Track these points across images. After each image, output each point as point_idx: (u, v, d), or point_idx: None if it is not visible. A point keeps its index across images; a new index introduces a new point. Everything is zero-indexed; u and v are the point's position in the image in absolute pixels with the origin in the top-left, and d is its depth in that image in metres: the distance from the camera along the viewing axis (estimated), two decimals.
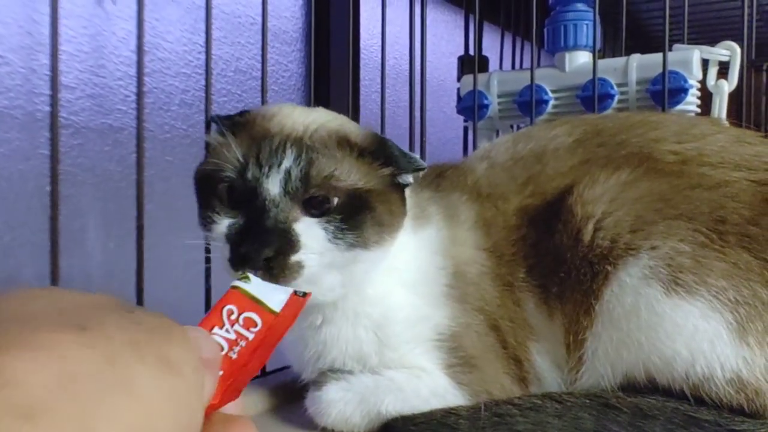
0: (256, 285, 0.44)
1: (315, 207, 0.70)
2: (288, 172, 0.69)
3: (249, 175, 0.70)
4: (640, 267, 0.70)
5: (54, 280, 0.80)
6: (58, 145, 0.82)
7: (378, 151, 0.74)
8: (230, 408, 0.39)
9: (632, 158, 0.79)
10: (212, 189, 0.72)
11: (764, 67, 2.68)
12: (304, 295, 0.47)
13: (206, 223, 0.72)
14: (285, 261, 0.67)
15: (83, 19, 1.14)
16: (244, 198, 0.70)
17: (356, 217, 0.71)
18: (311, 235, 0.69)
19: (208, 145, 0.79)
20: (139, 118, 0.86)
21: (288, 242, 0.67)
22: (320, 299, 0.73)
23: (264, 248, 0.66)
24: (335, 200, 0.71)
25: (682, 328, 0.68)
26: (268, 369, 0.93)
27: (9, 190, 1.05)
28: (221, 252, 0.70)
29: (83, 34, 1.14)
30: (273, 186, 0.69)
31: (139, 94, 0.87)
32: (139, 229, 0.87)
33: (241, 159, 0.70)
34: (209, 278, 0.92)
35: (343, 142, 0.73)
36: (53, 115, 0.81)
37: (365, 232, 0.71)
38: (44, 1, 0.89)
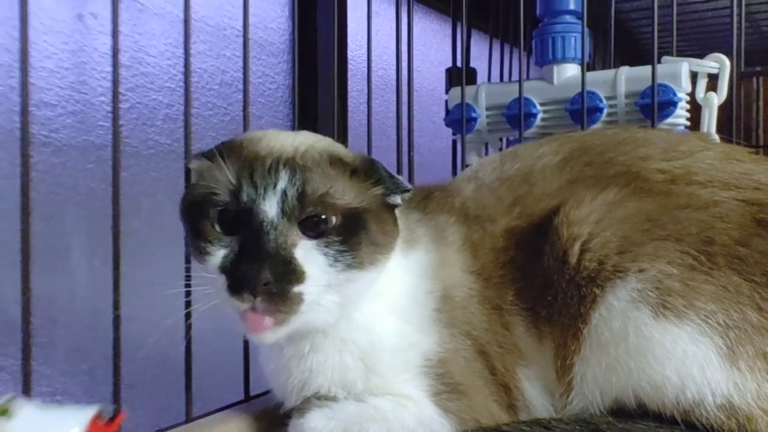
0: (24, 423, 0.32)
1: (311, 228, 0.69)
2: (284, 193, 0.68)
3: (243, 196, 0.68)
4: (628, 290, 0.69)
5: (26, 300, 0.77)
6: (29, 162, 0.80)
7: (368, 171, 0.73)
8: None
9: (620, 177, 0.78)
10: (202, 216, 0.70)
11: (753, 75, 2.69)
12: (113, 418, 0.39)
13: (199, 254, 0.69)
14: (287, 290, 0.66)
15: (64, 35, 1.12)
16: (238, 222, 0.69)
17: (353, 238, 0.70)
18: (313, 261, 0.68)
19: (188, 174, 0.77)
20: (115, 135, 0.84)
21: (291, 271, 0.66)
22: (317, 325, 0.72)
23: (263, 271, 0.64)
24: (333, 220, 0.69)
25: (671, 352, 0.67)
26: (251, 393, 0.92)
27: None
28: (216, 285, 0.68)
29: (64, 50, 1.12)
30: (270, 207, 0.67)
31: (115, 110, 0.84)
32: (116, 253, 0.84)
33: (233, 181, 0.69)
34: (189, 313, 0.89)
35: (335, 162, 0.72)
36: (24, 130, 0.79)
37: (361, 252, 0.70)
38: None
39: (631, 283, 0.69)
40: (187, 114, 0.91)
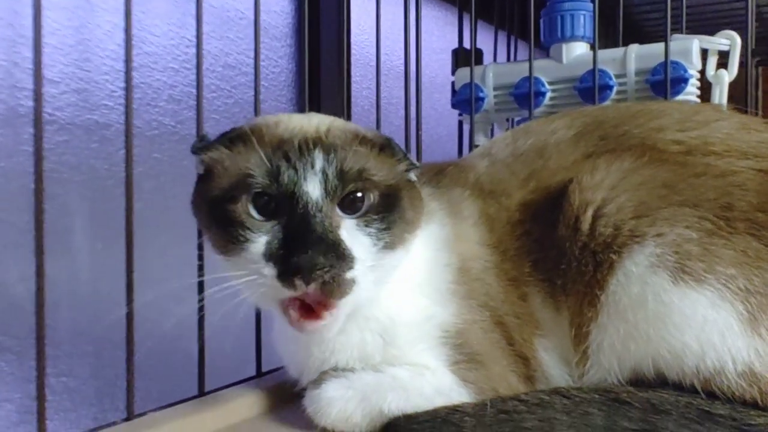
0: None
1: (350, 206, 0.68)
2: (324, 172, 0.66)
3: (284, 178, 0.66)
4: (646, 255, 0.68)
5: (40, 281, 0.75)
6: (43, 142, 0.78)
7: (391, 148, 0.72)
8: None
9: (635, 149, 0.77)
10: (233, 203, 0.67)
11: (753, 63, 2.69)
12: None
13: (235, 243, 0.66)
14: (341, 277, 0.64)
15: (67, 11, 1.10)
16: (274, 207, 0.67)
17: (390, 215, 0.69)
18: (357, 242, 0.67)
19: (204, 167, 0.73)
20: (128, 115, 0.82)
21: (341, 255, 0.64)
22: (358, 306, 0.70)
23: (318, 257, 0.62)
24: (371, 197, 0.69)
25: (691, 319, 0.66)
26: (263, 369, 0.91)
27: None
28: (263, 273, 0.65)
29: (67, 26, 1.10)
30: (313, 189, 0.66)
31: (128, 90, 0.82)
32: (129, 235, 0.81)
33: (269, 164, 0.66)
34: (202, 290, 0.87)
35: (362, 140, 0.71)
36: (37, 110, 0.77)
37: (397, 230, 0.70)
38: None
39: (649, 247, 0.68)
40: (199, 98, 0.90)
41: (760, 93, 2.78)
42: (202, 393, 0.81)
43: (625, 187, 0.72)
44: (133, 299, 0.76)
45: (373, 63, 1.29)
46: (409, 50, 1.14)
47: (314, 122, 0.72)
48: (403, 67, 1.17)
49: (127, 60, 0.81)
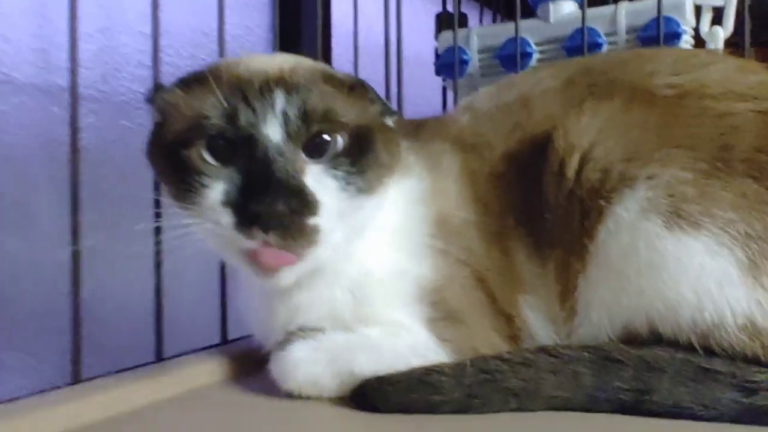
0: None
1: (317, 150, 0.63)
2: (285, 114, 0.61)
3: (241, 120, 0.61)
4: (637, 199, 0.63)
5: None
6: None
7: (363, 89, 0.68)
8: None
9: (625, 93, 0.72)
10: (188, 150, 0.62)
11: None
12: None
13: (190, 191, 0.62)
14: (303, 223, 0.59)
15: None
16: (235, 150, 0.62)
17: (362, 158, 0.65)
18: (324, 188, 0.62)
19: (158, 109, 0.68)
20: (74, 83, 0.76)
21: (304, 201, 0.60)
22: (325, 261, 0.65)
23: (278, 203, 0.58)
24: (339, 139, 0.64)
25: (686, 267, 0.61)
26: (229, 338, 0.85)
27: None
28: (220, 222, 0.60)
29: None
30: (273, 132, 0.61)
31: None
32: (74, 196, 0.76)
33: (226, 105, 0.61)
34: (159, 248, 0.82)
35: (329, 78, 0.66)
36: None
37: (370, 174, 0.65)
38: None
39: (640, 191, 0.63)
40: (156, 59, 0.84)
41: None
42: (160, 359, 0.75)
43: (615, 129, 0.67)
44: (80, 253, 0.70)
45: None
46: (389, 23, 1.10)
47: (278, 61, 0.67)
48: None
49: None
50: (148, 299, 0.83)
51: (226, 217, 0.60)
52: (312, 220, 0.60)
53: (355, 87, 0.67)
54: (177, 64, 1.31)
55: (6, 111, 1.02)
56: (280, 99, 0.62)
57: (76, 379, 0.67)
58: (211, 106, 0.62)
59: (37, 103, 1.06)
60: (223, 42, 0.96)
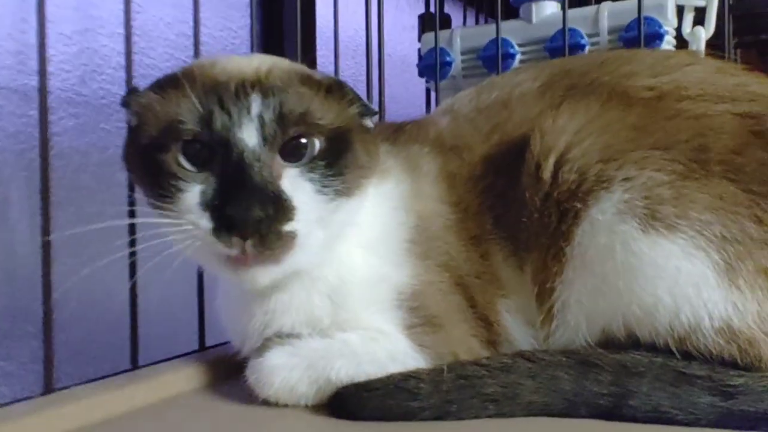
0: None
1: (293, 153, 0.63)
2: (261, 118, 0.61)
3: (217, 124, 0.60)
4: (613, 201, 0.63)
5: None
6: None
7: (340, 90, 0.67)
8: None
9: (603, 95, 0.71)
10: (164, 153, 0.62)
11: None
12: None
13: (166, 196, 0.61)
14: (279, 229, 0.59)
15: None
16: (211, 154, 0.61)
17: (339, 161, 0.64)
18: (300, 192, 0.61)
19: (134, 113, 0.68)
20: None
21: (280, 207, 0.59)
22: (304, 267, 0.65)
23: (254, 209, 0.58)
24: (316, 142, 0.63)
25: (663, 270, 0.61)
26: (207, 344, 0.84)
27: None
28: (198, 226, 0.60)
29: None
30: (249, 136, 0.60)
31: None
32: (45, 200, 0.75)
33: (200, 109, 0.61)
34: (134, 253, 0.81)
35: (306, 80, 0.65)
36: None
37: (348, 176, 0.65)
38: None
39: (616, 193, 0.63)
40: (128, 62, 0.83)
41: None
42: (135, 367, 0.74)
43: (591, 131, 0.66)
44: (50, 255, 0.69)
45: (341, 39, 1.24)
46: (371, 22, 1.10)
47: (255, 63, 0.66)
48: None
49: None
50: (125, 305, 0.82)
51: (204, 222, 0.60)
52: (288, 226, 0.60)
53: (333, 88, 0.66)
54: (157, 66, 1.29)
55: None
56: (256, 102, 0.61)
57: (47, 388, 0.66)
58: (186, 111, 0.61)
59: (14, 106, 1.05)
60: (198, 44, 0.94)
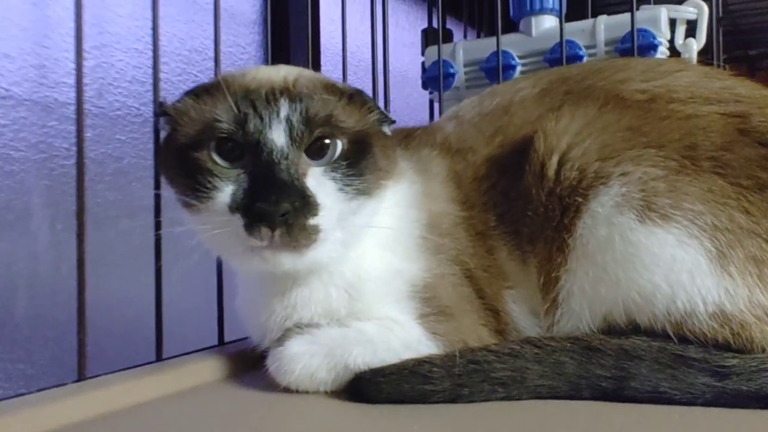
0: None
1: (318, 153, 0.67)
2: (289, 120, 0.66)
3: (250, 126, 0.65)
4: (611, 195, 0.67)
5: None
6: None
7: (361, 98, 0.72)
8: None
9: (599, 99, 0.76)
10: (199, 150, 0.66)
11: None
12: None
13: (202, 193, 0.65)
14: (304, 222, 0.63)
15: None
16: (242, 153, 0.66)
17: (360, 162, 0.69)
18: (324, 189, 0.66)
19: (168, 121, 0.72)
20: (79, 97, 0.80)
21: (305, 202, 0.64)
22: (324, 262, 0.69)
23: (282, 203, 0.62)
24: (339, 144, 0.68)
25: (659, 258, 0.65)
26: (226, 340, 0.87)
27: None
28: (230, 225, 0.64)
29: (26, 1, 1.07)
30: (278, 136, 0.65)
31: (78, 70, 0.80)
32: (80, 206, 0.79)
33: (236, 111, 0.66)
34: (159, 259, 0.84)
35: (330, 88, 0.70)
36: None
37: (368, 177, 0.69)
38: None
39: (614, 188, 0.67)
40: (156, 73, 0.88)
41: None
42: (160, 359, 0.77)
43: (590, 132, 0.71)
44: (84, 256, 0.73)
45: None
46: (376, 39, 1.15)
47: (282, 73, 0.72)
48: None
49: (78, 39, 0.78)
50: (147, 304, 0.86)
51: (237, 219, 0.64)
52: (313, 220, 0.64)
53: (355, 96, 0.71)
54: (170, 80, 1.35)
55: (6, 125, 1.04)
56: (284, 106, 0.66)
57: (80, 376, 0.70)
58: (223, 111, 0.66)
59: (36, 117, 1.09)
60: (218, 58, 0.99)
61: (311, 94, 0.68)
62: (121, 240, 1.14)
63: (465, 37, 1.72)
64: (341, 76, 1.32)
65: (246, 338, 0.83)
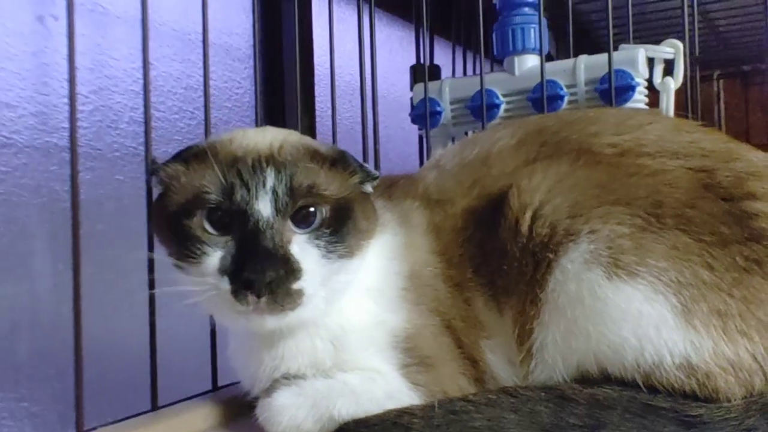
0: None
1: (302, 221, 0.71)
2: (274, 191, 0.69)
3: (237, 197, 0.69)
4: (580, 252, 0.70)
5: None
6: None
7: (343, 162, 0.75)
8: None
9: (571, 153, 0.79)
10: (189, 218, 0.70)
11: (714, 76, 2.77)
12: None
13: (191, 257, 0.69)
14: (288, 288, 0.67)
15: (24, 36, 1.11)
16: (228, 221, 0.70)
17: (342, 228, 0.72)
18: (307, 255, 0.69)
19: (160, 181, 0.76)
20: (73, 139, 0.83)
21: (290, 269, 0.67)
22: (309, 319, 0.73)
23: (267, 271, 0.66)
24: (322, 211, 0.71)
25: (626, 313, 0.68)
26: (219, 383, 0.91)
27: None
28: (218, 288, 0.68)
29: (25, 51, 1.11)
30: (264, 207, 0.69)
31: (72, 112, 0.84)
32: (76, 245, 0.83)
33: (224, 181, 0.69)
34: (153, 314, 0.88)
35: (313, 155, 0.73)
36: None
37: (349, 240, 0.72)
38: None
39: (582, 245, 0.70)
40: (147, 118, 0.91)
41: (722, 105, 2.86)
42: (155, 408, 0.81)
43: (561, 189, 0.74)
44: (80, 309, 0.76)
45: (338, 83, 1.32)
46: (364, 67, 1.18)
47: (268, 139, 0.75)
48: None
49: (71, 83, 0.82)
50: (142, 342, 0.89)
51: (224, 284, 0.67)
52: (297, 285, 0.68)
53: (337, 161, 0.75)
54: (167, 119, 1.39)
55: (8, 172, 1.08)
56: (270, 177, 0.69)
57: (78, 428, 0.73)
58: (211, 183, 0.70)
59: (36, 163, 1.13)
60: (207, 97, 1.03)
61: (296, 163, 0.71)
62: (120, 278, 1.17)
63: (453, 67, 1.76)
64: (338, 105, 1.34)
65: (237, 383, 0.87)
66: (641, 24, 1.73)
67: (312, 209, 0.71)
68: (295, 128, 1.38)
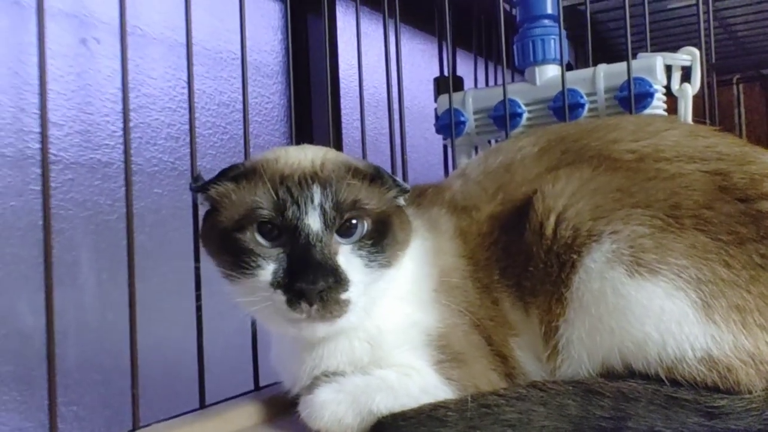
0: None
1: (346, 233, 0.76)
2: (322, 207, 0.74)
3: (289, 213, 0.73)
4: (603, 252, 0.74)
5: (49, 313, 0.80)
6: (49, 181, 0.84)
7: (381, 177, 0.80)
8: None
9: (592, 160, 0.83)
10: (242, 234, 0.74)
11: (733, 81, 2.78)
12: None
13: (247, 269, 0.73)
14: (337, 297, 0.72)
15: (69, 59, 1.18)
16: (280, 233, 0.74)
17: (383, 240, 0.77)
18: (352, 266, 0.74)
19: (206, 198, 0.80)
20: (127, 153, 0.89)
21: (338, 279, 0.72)
22: (350, 325, 0.77)
23: (319, 282, 0.70)
24: (366, 224, 0.76)
25: (648, 309, 0.71)
26: (261, 384, 0.95)
27: (2, 225, 1.07)
28: (273, 299, 0.72)
29: (69, 72, 1.18)
30: (314, 222, 0.73)
31: (126, 130, 0.90)
32: (130, 260, 0.88)
33: (275, 198, 0.74)
34: (200, 309, 0.93)
35: (354, 171, 0.78)
36: (43, 151, 0.83)
37: (388, 251, 0.77)
38: (31, 41, 0.93)
39: (605, 245, 0.74)
40: (192, 138, 0.96)
41: (742, 110, 2.86)
42: (203, 406, 0.86)
43: (583, 194, 0.78)
44: (135, 312, 0.81)
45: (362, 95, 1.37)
46: (390, 80, 1.22)
47: (309, 156, 0.79)
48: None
49: (125, 101, 0.87)
50: (188, 348, 0.94)
51: (279, 296, 0.72)
52: (344, 295, 0.72)
53: (375, 177, 0.79)
54: (202, 134, 1.45)
55: (56, 187, 1.15)
56: (317, 193, 0.74)
57: (135, 425, 0.78)
58: (263, 198, 0.74)
59: (82, 178, 1.19)
60: (246, 113, 1.08)
61: (339, 180, 0.76)
62: (161, 287, 1.23)
63: (475, 77, 1.80)
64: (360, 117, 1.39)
65: (278, 383, 0.91)
66: (659, 32, 1.77)
67: (355, 221, 0.76)
68: (323, 140, 1.44)
